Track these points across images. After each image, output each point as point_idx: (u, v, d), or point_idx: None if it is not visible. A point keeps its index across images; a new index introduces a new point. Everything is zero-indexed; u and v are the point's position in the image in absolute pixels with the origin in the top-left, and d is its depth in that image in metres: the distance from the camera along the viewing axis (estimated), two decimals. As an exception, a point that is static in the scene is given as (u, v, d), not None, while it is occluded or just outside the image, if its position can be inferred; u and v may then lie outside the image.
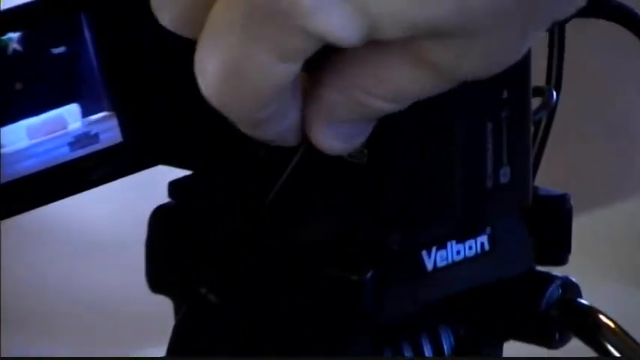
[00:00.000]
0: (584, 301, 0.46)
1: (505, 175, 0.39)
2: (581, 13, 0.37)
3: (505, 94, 0.38)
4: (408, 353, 0.43)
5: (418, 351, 0.43)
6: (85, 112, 0.42)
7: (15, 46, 0.43)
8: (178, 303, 0.42)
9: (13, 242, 2.17)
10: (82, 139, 0.42)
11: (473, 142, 0.38)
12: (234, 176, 0.42)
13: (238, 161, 0.41)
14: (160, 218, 0.43)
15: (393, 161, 0.39)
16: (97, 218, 2.16)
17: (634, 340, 0.45)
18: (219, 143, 0.42)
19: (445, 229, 0.41)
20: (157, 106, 0.42)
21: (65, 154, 0.43)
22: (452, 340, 0.45)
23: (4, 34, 0.42)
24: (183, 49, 0.41)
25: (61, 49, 0.43)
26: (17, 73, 0.42)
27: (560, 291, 0.45)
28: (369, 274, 0.38)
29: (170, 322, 0.46)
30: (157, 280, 0.43)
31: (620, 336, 0.46)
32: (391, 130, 0.38)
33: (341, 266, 0.39)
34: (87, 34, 0.43)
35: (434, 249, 0.42)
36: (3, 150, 0.42)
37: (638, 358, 0.46)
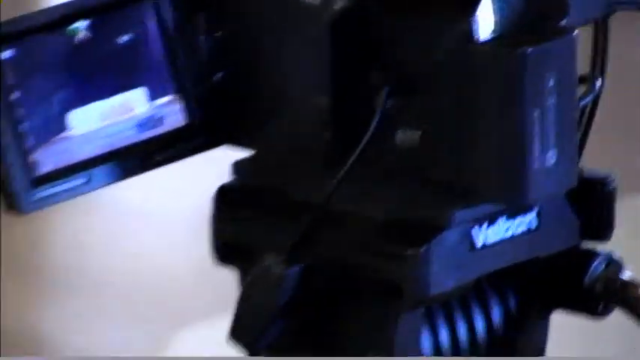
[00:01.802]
0: (627, 275, 0.48)
1: (552, 157, 0.41)
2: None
3: (551, 82, 0.40)
4: (460, 323, 0.46)
5: (470, 321, 0.46)
6: (151, 96, 0.45)
7: (83, 33, 0.45)
8: (243, 273, 0.45)
9: (69, 212, 2.22)
10: (148, 122, 0.45)
11: (522, 126, 0.40)
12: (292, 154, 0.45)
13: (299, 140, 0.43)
14: (225, 195, 0.45)
15: (446, 143, 0.41)
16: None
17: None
18: (279, 123, 0.44)
19: (494, 207, 0.43)
20: (218, 90, 0.44)
21: (132, 136, 0.45)
22: (501, 310, 0.47)
23: (72, 23, 0.44)
24: (244, 34, 0.43)
25: (127, 36, 0.45)
26: (86, 60, 0.44)
27: (603, 266, 0.48)
28: (423, 249, 0.40)
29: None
30: (222, 252, 0.45)
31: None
32: (443, 115, 0.41)
33: (397, 241, 0.42)
34: (152, 21, 0.45)
35: (484, 226, 0.44)
36: (74, 132, 0.45)
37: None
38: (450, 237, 0.43)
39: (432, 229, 0.43)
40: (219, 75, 0.44)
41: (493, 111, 0.40)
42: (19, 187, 0.44)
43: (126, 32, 0.44)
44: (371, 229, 0.43)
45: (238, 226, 0.47)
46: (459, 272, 0.44)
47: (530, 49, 0.39)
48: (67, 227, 2.15)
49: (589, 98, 0.44)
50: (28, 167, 0.44)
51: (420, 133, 0.43)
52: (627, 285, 0.49)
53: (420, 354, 0.47)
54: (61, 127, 0.44)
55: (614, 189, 0.47)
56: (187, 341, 1.05)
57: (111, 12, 0.44)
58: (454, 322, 0.47)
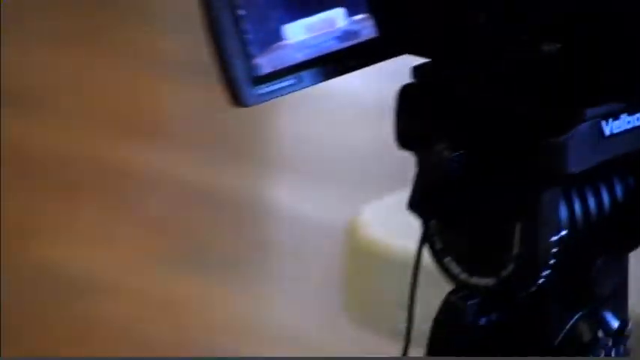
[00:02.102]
0: None
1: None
2: None
3: None
4: (590, 199, 0.57)
5: (598, 197, 0.57)
6: (349, 14, 0.56)
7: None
8: (419, 157, 0.56)
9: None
10: (346, 34, 0.56)
11: None
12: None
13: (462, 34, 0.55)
14: (405, 92, 0.58)
15: (582, 51, 0.52)
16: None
17: None
18: (454, 33, 0.55)
19: (619, 106, 0.54)
20: (405, 6, 0.56)
21: (333, 45, 0.56)
22: (623, 189, 0.58)
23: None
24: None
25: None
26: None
27: None
28: (563, 137, 0.51)
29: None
30: (403, 139, 0.56)
31: None
32: (582, 21, 0.52)
33: (542, 132, 0.53)
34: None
35: (610, 120, 0.55)
36: (287, 42, 0.56)
37: None
38: (584, 128, 0.54)
39: (569, 122, 0.55)
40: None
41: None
42: (244, 85, 0.56)
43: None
44: (518, 123, 0.55)
45: (414, 118, 0.58)
46: (591, 156, 0.56)
47: None
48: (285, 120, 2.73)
49: None
50: (251, 69, 0.56)
51: (559, 45, 0.54)
52: None
53: (558, 223, 0.58)
54: (277, 37, 0.57)
55: None
56: (377, 208, 1.16)
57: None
58: (585, 197, 0.58)
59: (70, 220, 2.65)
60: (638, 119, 0.56)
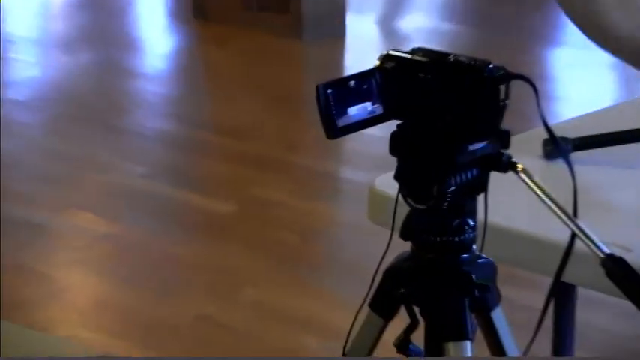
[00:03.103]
0: None
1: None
2: None
3: None
4: (464, 175, 1.40)
5: (465, 174, 1.35)
6: (372, 103, 1.34)
7: None
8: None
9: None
10: (371, 111, 1.36)
11: None
12: None
13: None
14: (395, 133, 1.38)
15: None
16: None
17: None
18: (421, 116, 1.35)
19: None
20: (397, 104, 1.35)
21: (366, 115, 1.34)
22: (473, 172, 1.37)
23: None
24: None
25: None
26: None
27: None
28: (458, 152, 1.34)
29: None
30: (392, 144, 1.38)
31: None
32: None
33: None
34: None
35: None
36: (349, 114, 1.33)
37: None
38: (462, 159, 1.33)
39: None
40: None
41: None
42: (332, 130, 1.37)
43: None
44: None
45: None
46: (464, 157, 1.35)
47: None
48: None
49: None
50: (334, 123, 1.35)
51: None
52: None
53: (451, 184, 1.40)
54: (345, 112, 1.31)
55: None
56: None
57: None
58: (462, 174, 1.38)
59: None
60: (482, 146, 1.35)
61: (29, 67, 4.65)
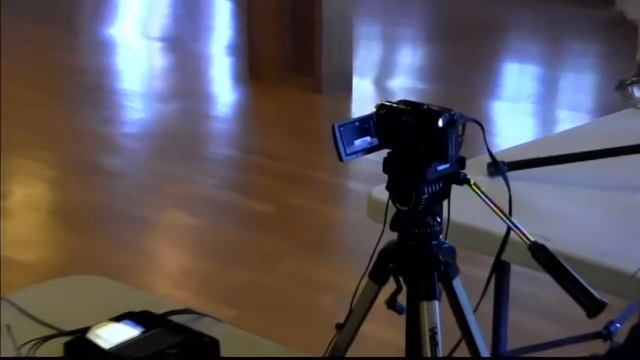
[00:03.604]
0: None
1: None
2: None
3: None
4: (432, 187, 1.37)
5: (435, 185, 1.36)
6: (370, 137, 1.35)
7: None
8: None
9: None
10: (370, 143, 1.35)
11: None
12: None
13: None
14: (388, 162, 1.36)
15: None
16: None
17: None
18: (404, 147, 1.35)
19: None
20: (389, 140, 1.35)
21: (367, 146, 1.34)
22: (438, 184, 1.36)
23: None
24: None
25: None
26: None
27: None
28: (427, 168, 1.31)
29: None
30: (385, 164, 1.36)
31: None
32: None
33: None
34: None
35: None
36: (354, 145, 1.35)
37: None
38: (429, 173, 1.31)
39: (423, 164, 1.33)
40: None
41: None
42: (343, 156, 1.35)
43: None
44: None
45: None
46: (434, 174, 1.34)
47: None
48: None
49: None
50: (344, 153, 1.34)
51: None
52: None
53: (424, 193, 1.36)
54: (352, 144, 1.33)
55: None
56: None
57: None
58: (431, 185, 1.37)
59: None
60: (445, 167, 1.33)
61: (138, 111, 4.77)
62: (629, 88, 0.85)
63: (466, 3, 6.28)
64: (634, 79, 0.92)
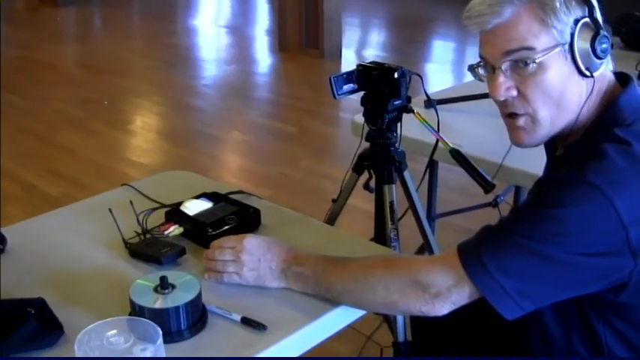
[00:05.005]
0: None
1: None
2: None
3: None
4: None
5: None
6: None
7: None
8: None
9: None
10: None
11: None
12: None
13: None
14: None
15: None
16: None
17: None
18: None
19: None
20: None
21: None
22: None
23: None
24: None
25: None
26: None
27: None
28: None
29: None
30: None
31: None
32: None
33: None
34: None
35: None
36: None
37: None
38: None
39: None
40: None
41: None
42: (336, 93, 1.53)
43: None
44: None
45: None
46: None
47: None
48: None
49: None
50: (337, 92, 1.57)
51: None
52: None
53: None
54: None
55: None
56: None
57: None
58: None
59: None
60: None
61: (211, 71, 6.14)
62: (476, 70, 1.18)
63: (417, 3, 8.01)
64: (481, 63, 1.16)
